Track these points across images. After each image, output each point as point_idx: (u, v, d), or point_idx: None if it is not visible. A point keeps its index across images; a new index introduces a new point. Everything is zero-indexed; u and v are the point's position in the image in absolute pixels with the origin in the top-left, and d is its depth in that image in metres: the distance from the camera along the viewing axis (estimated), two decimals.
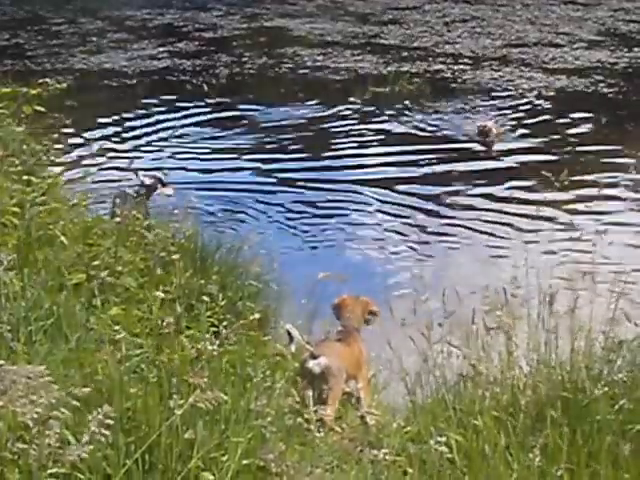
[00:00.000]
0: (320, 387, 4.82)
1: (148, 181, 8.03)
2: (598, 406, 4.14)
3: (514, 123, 11.77)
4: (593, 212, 8.82)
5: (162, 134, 11.40)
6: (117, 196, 7.65)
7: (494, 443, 3.98)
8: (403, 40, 16.14)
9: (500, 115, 12.11)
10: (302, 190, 9.60)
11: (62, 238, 5.22)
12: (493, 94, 13.07)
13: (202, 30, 17.33)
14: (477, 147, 10.97)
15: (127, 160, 8.52)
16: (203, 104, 12.71)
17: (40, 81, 7.70)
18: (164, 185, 8.15)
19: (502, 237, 8.30)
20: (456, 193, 9.55)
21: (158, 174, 8.28)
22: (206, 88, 13.37)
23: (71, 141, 10.44)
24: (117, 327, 4.30)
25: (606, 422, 4.08)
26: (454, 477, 3.86)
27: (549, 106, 12.37)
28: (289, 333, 5.02)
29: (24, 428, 3.06)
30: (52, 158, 7.94)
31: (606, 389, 4.16)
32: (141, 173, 8.12)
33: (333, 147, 10.96)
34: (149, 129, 11.60)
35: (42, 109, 7.45)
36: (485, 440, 4.01)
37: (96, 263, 5.14)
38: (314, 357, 4.88)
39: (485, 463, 3.90)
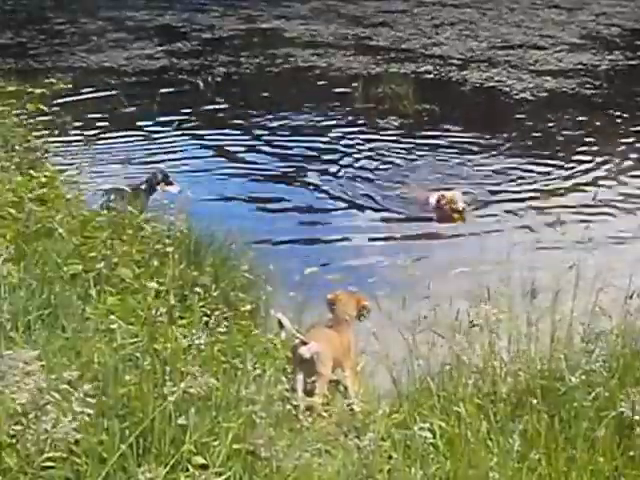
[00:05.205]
0: (309, 372, 4.94)
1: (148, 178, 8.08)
2: (575, 394, 4.23)
3: (500, 122, 11.90)
4: (576, 209, 8.88)
5: (159, 131, 11.49)
6: (109, 191, 7.71)
7: (476, 429, 4.07)
8: (393, 42, 16.21)
9: (485, 114, 12.25)
10: (293, 185, 9.68)
11: (60, 230, 5.32)
12: (479, 94, 13.20)
13: (199, 31, 17.38)
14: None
15: (124, 155, 8.57)
16: (199, 102, 12.80)
17: (46, 81, 7.80)
18: (169, 183, 8.19)
19: (486, 233, 8.37)
20: (441, 188, 9.64)
21: (162, 171, 8.31)
22: (202, 86, 13.46)
23: (70, 137, 10.51)
24: (112, 317, 4.43)
25: (583, 409, 4.17)
26: (437, 462, 3.93)
27: (534, 106, 12.47)
28: (280, 321, 5.12)
29: (22, 413, 3.18)
30: (51, 153, 8.04)
31: (583, 378, 4.26)
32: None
33: (324, 144, 11.03)
34: (146, 126, 11.68)
35: (44, 107, 7.58)
36: (467, 426, 4.10)
37: (92, 255, 5.26)
38: (304, 343, 4.99)
39: (467, 448, 3.99)
